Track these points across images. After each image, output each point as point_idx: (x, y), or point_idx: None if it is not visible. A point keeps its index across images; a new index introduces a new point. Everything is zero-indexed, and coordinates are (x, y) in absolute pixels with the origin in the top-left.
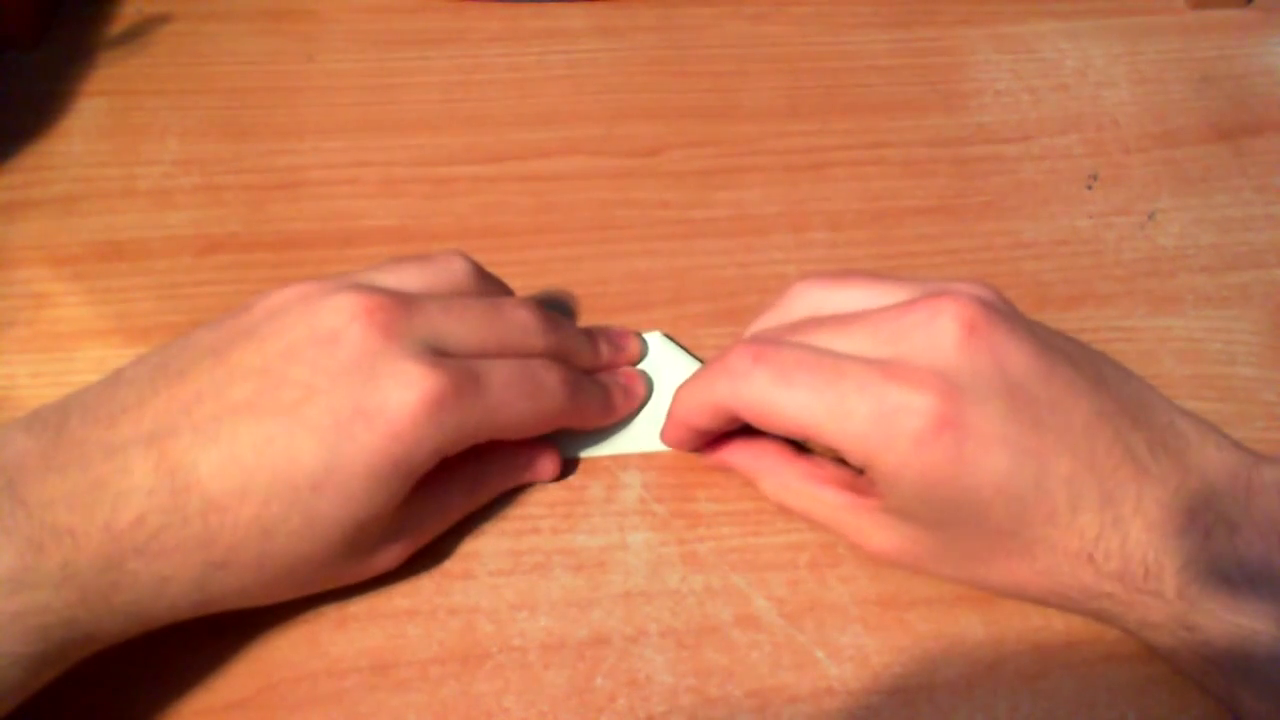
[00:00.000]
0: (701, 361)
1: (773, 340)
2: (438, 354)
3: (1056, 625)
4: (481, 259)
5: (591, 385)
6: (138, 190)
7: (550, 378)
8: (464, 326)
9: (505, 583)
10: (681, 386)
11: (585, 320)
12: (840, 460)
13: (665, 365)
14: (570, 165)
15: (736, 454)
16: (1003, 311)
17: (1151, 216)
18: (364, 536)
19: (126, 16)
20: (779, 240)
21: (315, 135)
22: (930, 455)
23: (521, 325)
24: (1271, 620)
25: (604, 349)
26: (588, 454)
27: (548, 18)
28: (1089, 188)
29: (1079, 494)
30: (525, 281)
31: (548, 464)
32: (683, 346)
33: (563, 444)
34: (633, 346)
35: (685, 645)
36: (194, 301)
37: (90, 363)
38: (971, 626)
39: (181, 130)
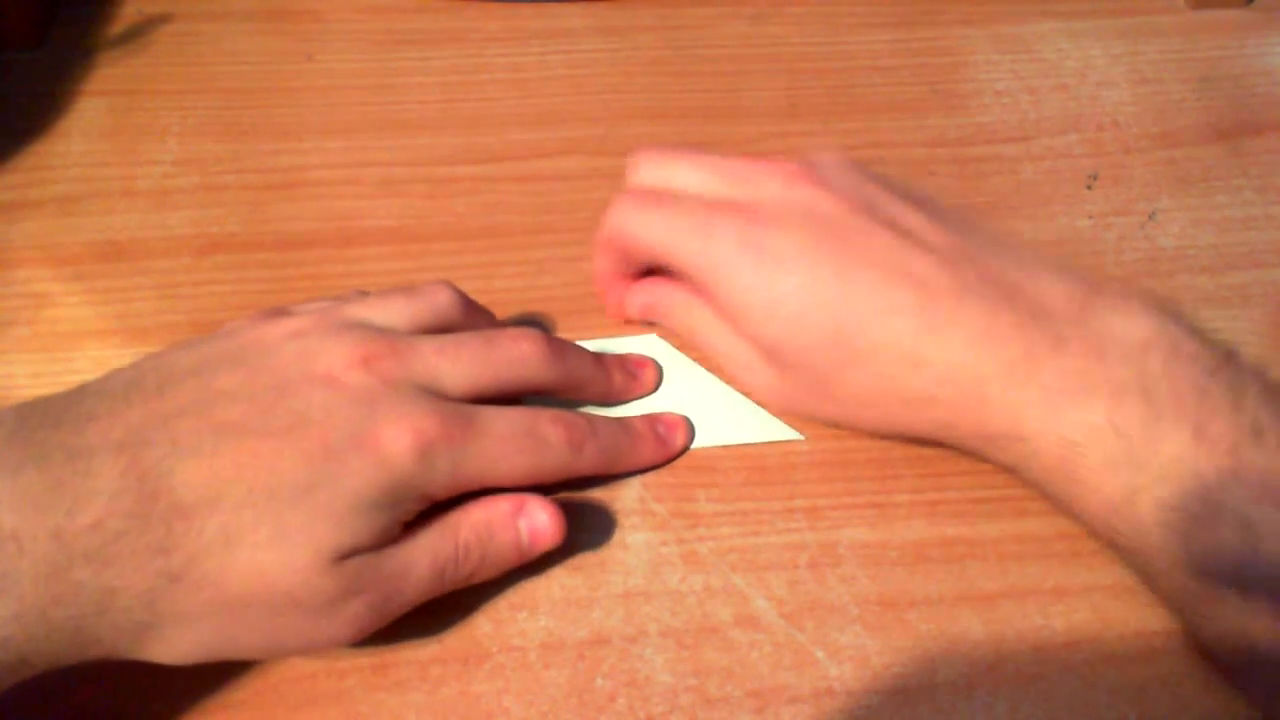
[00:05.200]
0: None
1: (640, 189)
2: (434, 396)
3: (1057, 625)
4: (481, 259)
5: (614, 435)
6: (138, 190)
7: (554, 434)
8: (459, 366)
9: (505, 582)
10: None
11: (584, 320)
12: None
13: (663, 369)
14: (570, 165)
15: (646, 293)
16: (832, 168)
17: (1151, 216)
18: (330, 577)
19: (126, 16)
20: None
21: (315, 135)
22: (742, 270)
23: (520, 359)
24: (1089, 431)
25: (617, 378)
26: None
27: (548, 18)
28: (1089, 188)
29: (887, 302)
30: (525, 281)
31: (545, 537)
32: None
33: None
34: (649, 374)
35: (685, 645)
36: (194, 301)
37: (90, 363)
38: (971, 626)
39: (181, 130)
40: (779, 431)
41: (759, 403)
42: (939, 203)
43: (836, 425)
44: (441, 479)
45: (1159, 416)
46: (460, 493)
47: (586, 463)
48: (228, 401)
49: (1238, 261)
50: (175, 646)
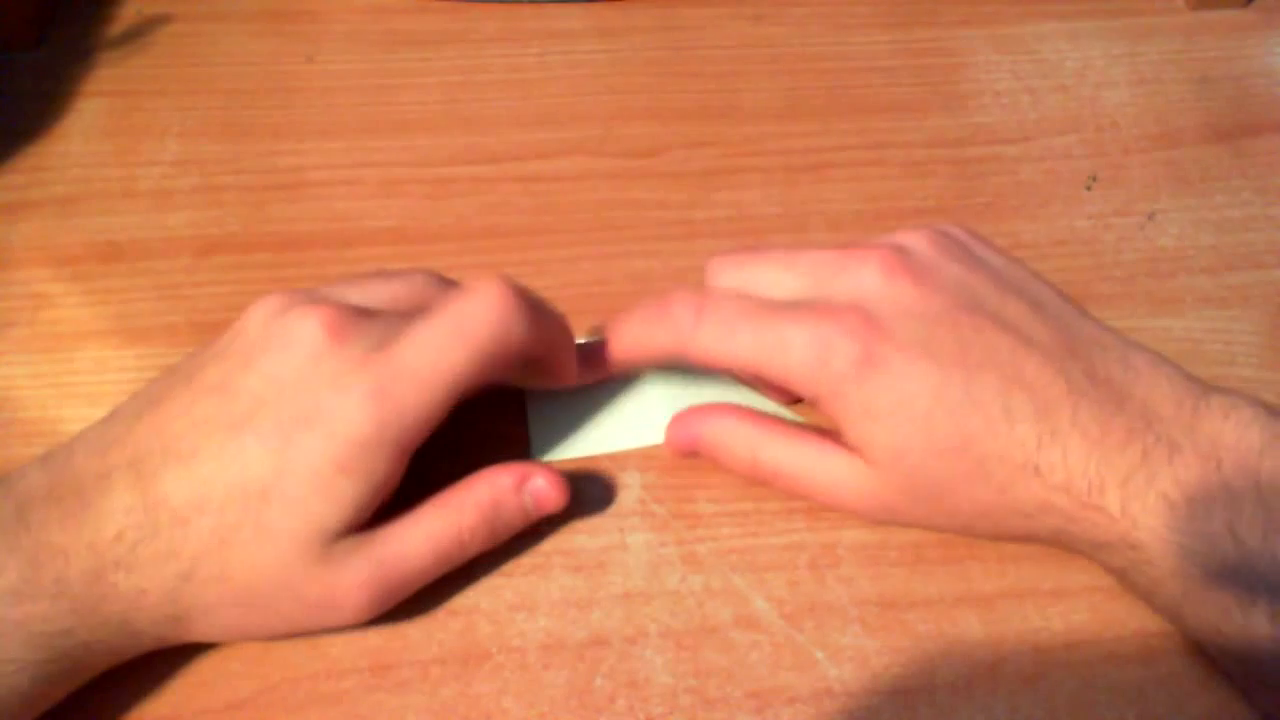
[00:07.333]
0: None
1: (711, 291)
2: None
3: (1056, 625)
4: (481, 259)
5: (547, 312)
6: (137, 191)
7: (474, 305)
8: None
9: (504, 583)
10: (621, 325)
11: (582, 321)
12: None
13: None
14: (570, 166)
15: (704, 426)
16: (927, 254)
17: (1151, 217)
18: (321, 567)
19: (126, 16)
20: (778, 241)
21: (315, 135)
22: (867, 381)
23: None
24: (1205, 539)
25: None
26: (586, 454)
27: (548, 18)
28: (1088, 188)
29: (1011, 405)
30: (525, 282)
31: (549, 501)
32: None
33: (561, 445)
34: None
35: (685, 646)
36: (193, 302)
37: (90, 363)
38: (971, 627)
39: (181, 130)
40: None
41: (862, 511)
42: (1036, 283)
43: (936, 530)
44: (404, 422)
45: (1277, 527)
46: (433, 424)
47: (529, 336)
48: (205, 395)
49: (1238, 262)
50: (209, 632)
